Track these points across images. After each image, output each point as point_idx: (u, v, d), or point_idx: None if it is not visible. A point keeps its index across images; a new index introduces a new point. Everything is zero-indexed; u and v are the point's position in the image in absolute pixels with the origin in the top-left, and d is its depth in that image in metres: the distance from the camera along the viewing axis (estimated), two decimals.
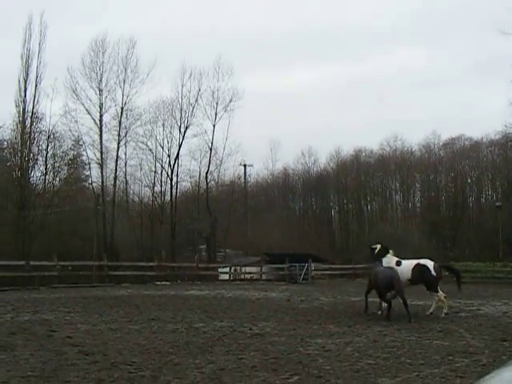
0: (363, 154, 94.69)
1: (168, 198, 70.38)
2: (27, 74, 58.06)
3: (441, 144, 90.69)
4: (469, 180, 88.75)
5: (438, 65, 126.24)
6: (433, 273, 21.01)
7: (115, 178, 66.08)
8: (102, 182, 64.76)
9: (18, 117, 58.40)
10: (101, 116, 63.53)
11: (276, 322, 18.18)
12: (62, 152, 63.17)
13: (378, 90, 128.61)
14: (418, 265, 21.26)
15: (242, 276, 54.80)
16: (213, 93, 70.39)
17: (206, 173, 71.25)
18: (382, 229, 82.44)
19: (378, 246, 22.65)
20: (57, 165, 62.30)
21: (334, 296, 29.45)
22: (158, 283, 42.72)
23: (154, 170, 69.80)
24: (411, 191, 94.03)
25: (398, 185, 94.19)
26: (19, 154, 58.38)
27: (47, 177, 61.15)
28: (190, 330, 16.26)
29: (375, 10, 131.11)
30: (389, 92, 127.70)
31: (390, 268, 20.89)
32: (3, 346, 13.24)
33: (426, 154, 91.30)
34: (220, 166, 72.71)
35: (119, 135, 64.86)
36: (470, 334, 15.73)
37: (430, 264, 21.31)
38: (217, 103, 70.43)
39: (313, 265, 52.31)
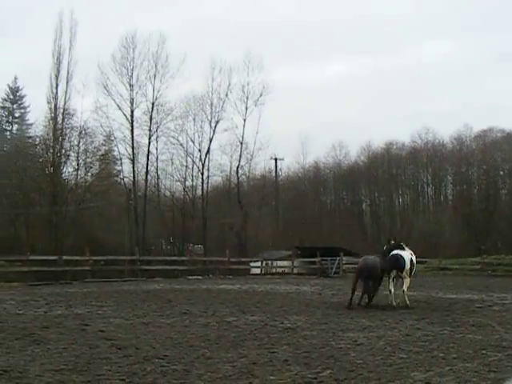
0: (394, 147, 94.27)
1: (199, 192, 70.68)
2: (58, 71, 58.69)
3: (472, 136, 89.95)
4: (501, 172, 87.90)
5: (470, 56, 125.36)
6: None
7: (146, 172, 66.51)
8: (134, 176, 65.21)
9: (50, 113, 59.06)
10: (132, 111, 63.98)
11: (308, 316, 18.15)
12: (94, 147, 63.72)
13: (410, 82, 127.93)
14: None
15: (274, 270, 54.83)
16: (243, 87, 70.56)
17: (237, 167, 71.41)
18: (413, 222, 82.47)
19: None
20: (88, 160, 62.80)
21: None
22: (190, 277, 42.86)
23: (185, 164, 70.17)
24: (443, 184, 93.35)
25: (429, 178, 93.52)
26: (51, 150, 58.95)
27: (79, 172, 61.72)
28: (222, 324, 16.28)
29: (406, 2, 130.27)
30: (420, 84, 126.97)
31: (375, 257, 22.65)
32: (37, 339, 13.34)
33: (457, 146, 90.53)
34: (251, 160, 72.89)
35: (150, 130, 65.27)
36: (504, 328, 15.60)
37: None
38: (247, 97, 70.58)
39: (344, 258, 52.19)
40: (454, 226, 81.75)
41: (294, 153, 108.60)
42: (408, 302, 21.38)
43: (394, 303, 21.41)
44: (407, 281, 21.57)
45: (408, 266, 21.49)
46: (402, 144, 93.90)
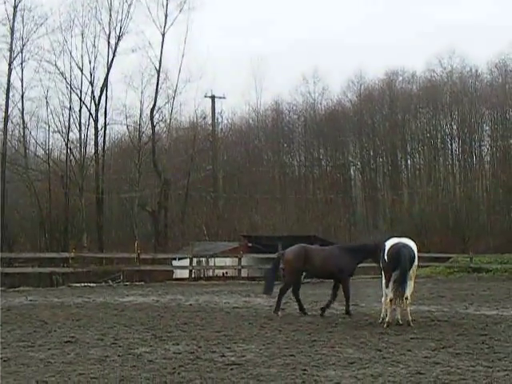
0: (400, 79, 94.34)
1: (92, 150, 70.13)
2: None
3: None
4: None
5: None
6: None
7: (6, 118, 65.68)
8: None
9: None
10: None
11: (263, 345, 18.19)
12: None
13: None
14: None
15: (210, 272, 54.99)
16: None
17: (152, 109, 71.00)
18: (428, 197, 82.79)
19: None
20: None
21: (353, 300, 29.42)
22: (77, 285, 42.73)
23: (68, 106, 69.45)
24: (476, 138, 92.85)
25: (454, 127, 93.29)
26: None
27: None
28: (128, 359, 16.23)
29: None
30: None
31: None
32: None
33: (499, 77, 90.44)
34: (174, 98, 72.44)
35: (11, 50, 64.56)
36: None
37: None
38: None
39: None
40: (492, 204, 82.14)
41: (242, 89, 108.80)
42: (410, 316, 21.84)
43: (400, 320, 21.77)
44: (412, 284, 21.87)
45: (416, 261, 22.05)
46: (412, 75, 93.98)
